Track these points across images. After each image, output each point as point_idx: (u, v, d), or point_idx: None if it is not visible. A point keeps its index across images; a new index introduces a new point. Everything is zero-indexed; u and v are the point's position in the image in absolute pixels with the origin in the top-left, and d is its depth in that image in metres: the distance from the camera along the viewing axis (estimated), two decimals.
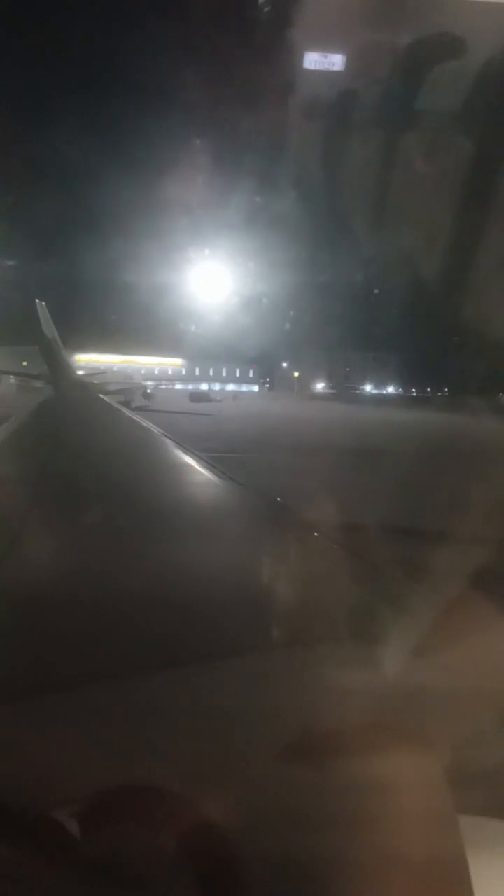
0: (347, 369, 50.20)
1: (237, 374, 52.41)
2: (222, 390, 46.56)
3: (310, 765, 0.87)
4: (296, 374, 48.86)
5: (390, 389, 50.31)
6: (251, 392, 49.76)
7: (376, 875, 0.75)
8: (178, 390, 39.42)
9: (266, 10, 3.16)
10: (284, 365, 49.94)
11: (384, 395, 48.82)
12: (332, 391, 46.38)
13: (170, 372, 48.85)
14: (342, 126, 3.42)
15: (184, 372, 49.61)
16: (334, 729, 0.96)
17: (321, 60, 3.26)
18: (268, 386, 50.15)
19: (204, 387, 47.64)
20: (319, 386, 48.28)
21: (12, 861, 0.75)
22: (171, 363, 48.70)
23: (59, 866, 0.76)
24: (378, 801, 0.81)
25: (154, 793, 0.86)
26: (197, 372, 50.47)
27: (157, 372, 47.03)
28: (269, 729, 1.00)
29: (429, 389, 50.69)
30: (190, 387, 44.57)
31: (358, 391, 47.99)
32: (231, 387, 50.49)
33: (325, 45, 3.15)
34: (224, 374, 51.86)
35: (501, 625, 1.38)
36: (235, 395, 42.07)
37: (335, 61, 3.24)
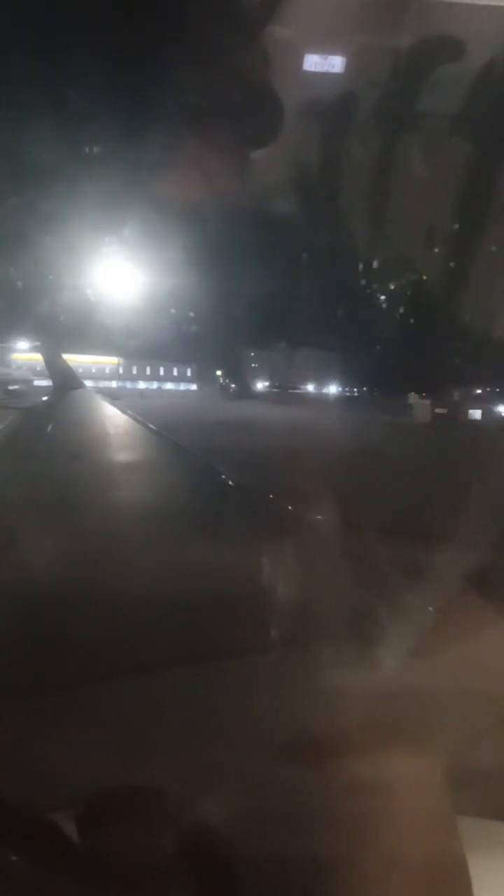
0: (291, 369, 50.54)
1: (175, 374, 52.17)
2: (131, 387, 46.52)
3: (308, 765, 0.88)
4: (218, 373, 49.01)
5: (332, 389, 50.92)
6: (186, 391, 49.68)
7: (375, 876, 0.76)
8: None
9: (265, 11, 3.16)
10: (241, 364, 50.03)
11: (316, 395, 49.31)
12: (270, 390, 46.62)
13: (107, 370, 48.27)
14: (337, 127, 3.47)
15: (121, 371, 49.15)
16: (332, 729, 0.97)
17: (321, 62, 3.30)
18: (233, 385, 50.09)
19: (142, 385, 47.44)
20: (260, 385, 48.46)
21: (11, 861, 0.75)
22: (107, 361, 48.10)
23: (58, 866, 0.76)
24: (376, 802, 0.82)
25: (152, 793, 0.86)
26: (134, 370, 49.99)
27: (94, 370, 46.38)
28: (266, 729, 1.01)
29: (364, 389, 51.58)
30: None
31: (298, 391, 48.36)
32: (169, 385, 50.28)
33: (325, 48, 3.18)
34: (161, 372, 51.56)
35: (499, 625, 1.43)
36: (142, 394, 42.07)
37: (335, 63, 3.29)
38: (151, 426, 9.47)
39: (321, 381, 54.41)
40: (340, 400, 46.89)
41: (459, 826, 0.84)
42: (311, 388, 54.56)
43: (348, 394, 50.53)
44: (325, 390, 53.11)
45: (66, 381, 12.01)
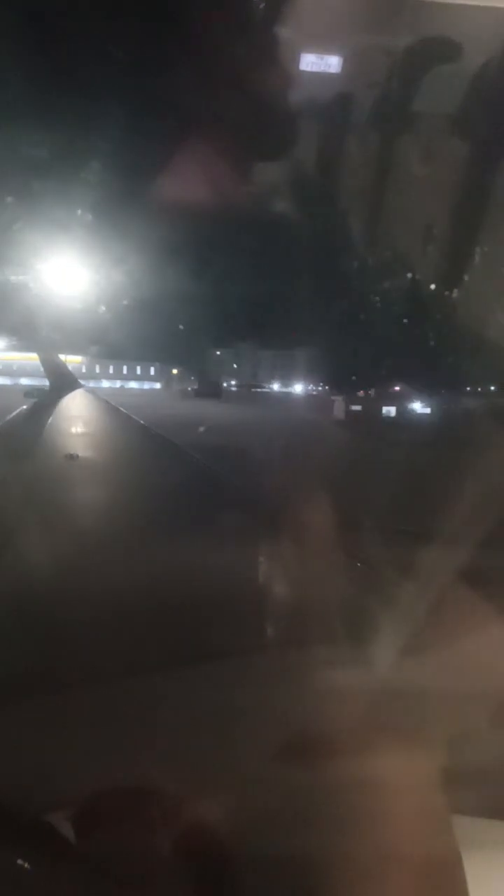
0: (257, 368, 50.78)
1: (138, 372, 51.99)
2: (94, 385, 46.53)
3: (306, 765, 0.89)
4: (174, 371, 49.18)
5: (297, 388, 51.32)
6: (148, 389, 49.67)
7: (371, 874, 0.77)
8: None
9: (261, 9, 3.12)
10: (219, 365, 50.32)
11: (278, 394, 49.66)
12: (233, 389, 46.77)
13: (69, 369, 47.93)
14: (332, 127, 3.45)
15: (84, 369, 48.78)
16: (330, 729, 0.97)
17: (317, 62, 3.26)
18: (195, 384, 50.32)
19: (106, 384, 47.38)
20: (224, 384, 48.59)
21: (11, 861, 0.73)
22: (69, 360, 47.75)
23: (57, 867, 0.75)
24: (373, 801, 0.83)
25: (152, 793, 0.86)
26: (97, 369, 49.69)
27: None
28: (264, 729, 1.00)
29: (327, 388, 52.02)
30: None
31: (262, 389, 48.57)
32: (133, 384, 50.26)
33: (321, 47, 3.15)
34: (125, 371, 51.31)
35: (495, 624, 1.43)
36: (93, 391, 42.14)
37: (332, 63, 3.26)
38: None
39: (286, 379, 54.88)
40: (301, 398, 47.47)
41: (456, 825, 0.85)
42: (275, 386, 55.08)
43: (314, 392, 51.17)
44: (288, 389, 53.57)
45: (63, 382, 11.94)
